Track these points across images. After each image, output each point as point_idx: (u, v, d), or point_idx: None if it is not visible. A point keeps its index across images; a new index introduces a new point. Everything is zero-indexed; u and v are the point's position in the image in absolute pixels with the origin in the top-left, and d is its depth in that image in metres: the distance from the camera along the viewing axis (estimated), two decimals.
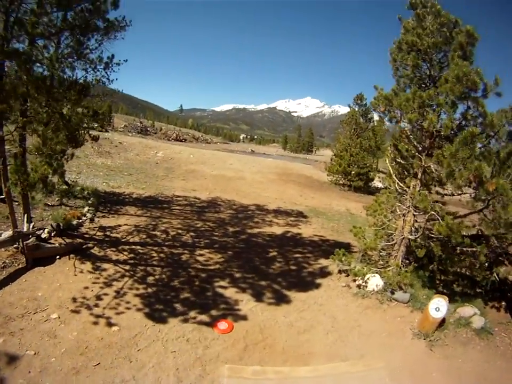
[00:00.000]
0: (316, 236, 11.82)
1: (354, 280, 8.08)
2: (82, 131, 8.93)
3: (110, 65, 8.38)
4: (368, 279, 7.79)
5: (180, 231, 10.98)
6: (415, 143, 7.49)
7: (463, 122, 6.84)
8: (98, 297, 6.73)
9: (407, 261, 7.97)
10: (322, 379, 5.30)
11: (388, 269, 7.77)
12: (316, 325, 6.72)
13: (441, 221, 6.75)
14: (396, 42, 7.59)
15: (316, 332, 6.52)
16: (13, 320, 5.66)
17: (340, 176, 23.81)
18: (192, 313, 6.66)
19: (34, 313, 5.93)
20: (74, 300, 6.51)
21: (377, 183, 23.62)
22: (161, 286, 7.51)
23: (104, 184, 15.39)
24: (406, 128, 7.64)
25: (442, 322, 6.47)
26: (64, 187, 12.22)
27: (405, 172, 8.27)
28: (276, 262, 9.47)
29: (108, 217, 11.23)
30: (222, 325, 6.40)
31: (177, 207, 13.88)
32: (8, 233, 7.38)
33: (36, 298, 6.34)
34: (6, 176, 7.58)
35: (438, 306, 6.20)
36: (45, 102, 7.35)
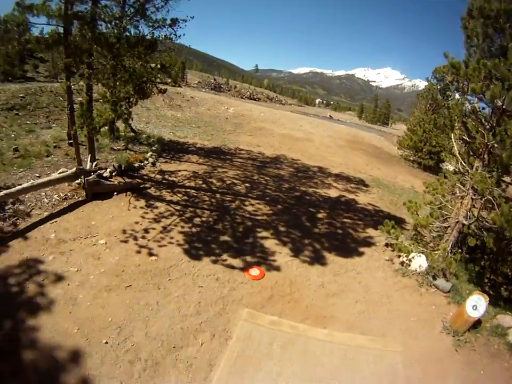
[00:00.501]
0: (371, 205, 11.06)
1: (399, 256, 7.68)
2: (150, 84, 9.35)
3: (177, 22, 8.58)
4: (412, 257, 7.40)
5: (235, 181, 11.04)
6: (482, 120, 6.83)
7: None
8: (145, 230, 7.14)
9: (459, 250, 7.33)
10: (333, 345, 5.04)
11: (436, 252, 7.25)
12: (347, 291, 6.41)
13: (497, 209, 6.09)
14: (467, 8, 6.88)
15: (345, 298, 6.22)
16: (65, 242, 6.30)
17: (410, 152, 22.36)
18: (228, 256, 6.74)
19: (85, 238, 6.52)
20: (123, 230, 7.00)
21: (448, 165, 21.40)
22: (206, 227, 7.69)
23: (171, 133, 15.99)
24: (474, 103, 6.95)
25: (478, 323, 5.81)
26: (131, 134, 13.02)
27: (471, 151, 7.49)
28: (323, 222, 9.06)
29: (170, 163, 11.70)
30: (254, 271, 6.36)
31: (239, 160, 13.90)
32: (72, 170, 8.11)
33: (89, 226, 6.95)
34: (73, 120, 8.38)
35: (477, 304, 5.54)
36: (110, 56, 7.79)
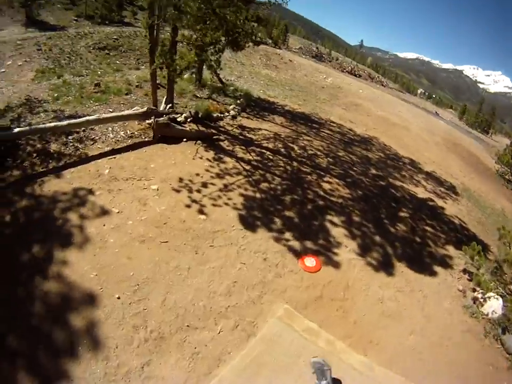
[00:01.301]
0: (458, 219, 9.06)
1: (474, 290, 6.41)
2: (245, 36, 8.84)
3: None
4: (488, 298, 6.13)
5: (318, 153, 9.85)
6: None
7: None
8: (204, 185, 6.52)
9: None
10: (366, 381, 3.96)
11: None
12: (405, 316, 5.14)
13: None
14: None
15: (400, 324, 4.98)
16: (116, 180, 5.98)
17: (508, 170, 18.85)
18: (286, 235, 5.81)
19: (138, 180, 6.12)
20: (180, 179, 6.47)
21: None
22: (271, 196, 6.81)
23: (260, 91, 15.18)
24: None
25: None
26: (218, 84, 12.45)
27: None
28: (402, 223, 7.51)
29: (251, 120, 10.91)
30: (310, 261, 5.35)
31: (327, 131, 12.56)
32: (143, 108, 7.78)
33: (146, 168, 6.55)
34: (153, 60, 7.96)
35: None
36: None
